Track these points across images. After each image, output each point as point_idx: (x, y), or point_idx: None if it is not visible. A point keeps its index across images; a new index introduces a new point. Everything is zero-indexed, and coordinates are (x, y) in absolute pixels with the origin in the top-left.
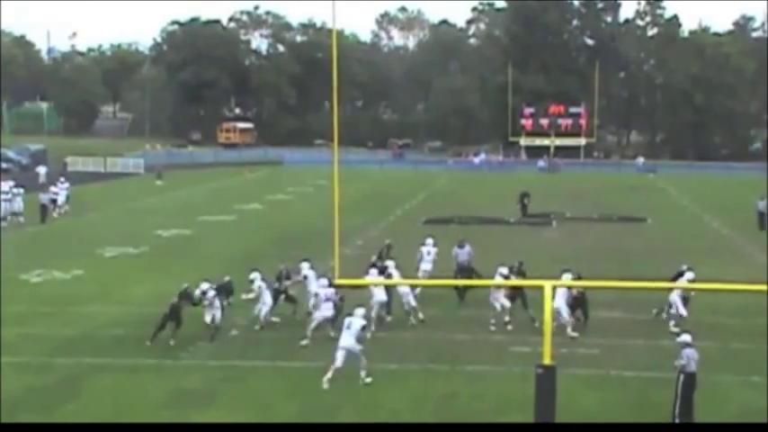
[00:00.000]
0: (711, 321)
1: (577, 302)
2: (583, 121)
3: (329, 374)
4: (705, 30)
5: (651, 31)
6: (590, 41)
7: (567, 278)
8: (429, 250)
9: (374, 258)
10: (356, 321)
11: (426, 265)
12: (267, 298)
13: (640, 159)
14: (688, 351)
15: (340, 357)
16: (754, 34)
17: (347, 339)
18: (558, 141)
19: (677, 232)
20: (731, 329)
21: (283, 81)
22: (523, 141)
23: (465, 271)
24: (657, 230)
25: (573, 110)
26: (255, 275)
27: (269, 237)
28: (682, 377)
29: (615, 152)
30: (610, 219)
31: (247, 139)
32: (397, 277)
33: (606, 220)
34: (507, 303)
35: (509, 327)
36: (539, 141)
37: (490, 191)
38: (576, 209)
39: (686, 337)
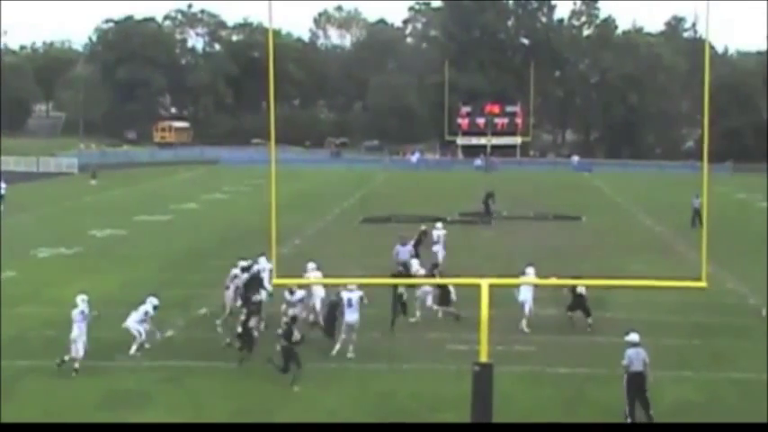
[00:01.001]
0: (645, 318)
1: (578, 303)
2: (519, 120)
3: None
4: (639, 30)
5: (586, 31)
6: (526, 41)
7: (530, 272)
8: (438, 234)
9: (411, 243)
10: (355, 295)
11: (438, 248)
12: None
13: (575, 158)
14: (631, 351)
15: (347, 332)
16: (685, 35)
17: (352, 315)
18: (495, 140)
19: (611, 230)
20: (664, 326)
21: (219, 80)
22: (460, 140)
23: (406, 269)
24: (592, 228)
25: (509, 109)
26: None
27: (206, 237)
28: (626, 376)
29: (551, 151)
30: (546, 217)
31: (183, 138)
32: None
33: (542, 219)
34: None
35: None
36: (475, 140)
37: (427, 190)
38: (512, 208)
39: (632, 337)
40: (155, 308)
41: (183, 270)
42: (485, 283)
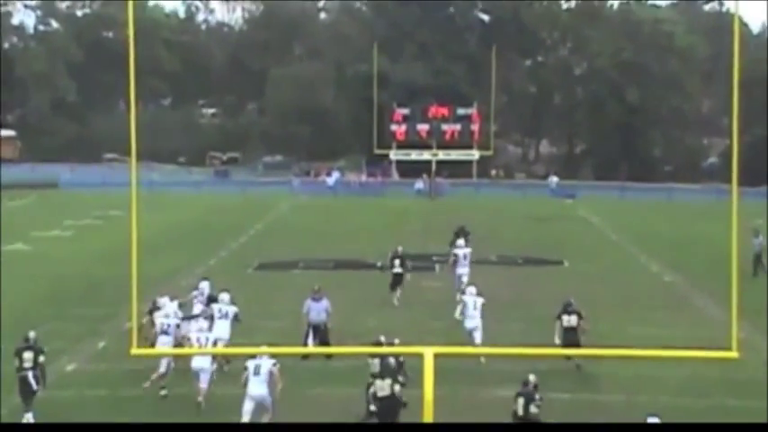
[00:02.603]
0: (646, 401)
1: (569, 338)
2: (475, 127)
3: None
4: (640, 1)
5: (567, 4)
6: (485, 17)
7: (472, 291)
8: (465, 253)
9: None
10: (265, 363)
11: (462, 269)
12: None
13: (554, 179)
14: None
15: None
16: (707, 7)
17: (257, 387)
18: (443, 155)
19: (603, 279)
20: (673, 412)
21: (58, 70)
22: (394, 155)
23: (322, 334)
24: (577, 277)
25: (461, 111)
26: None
27: (37, 292)
28: None
29: (520, 169)
30: (513, 261)
31: (8, 152)
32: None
33: (508, 263)
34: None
35: None
36: (415, 155)
37: (349, 224)
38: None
39: (653, 420)
40: None
41: (5, 338)
42: (429, 352)
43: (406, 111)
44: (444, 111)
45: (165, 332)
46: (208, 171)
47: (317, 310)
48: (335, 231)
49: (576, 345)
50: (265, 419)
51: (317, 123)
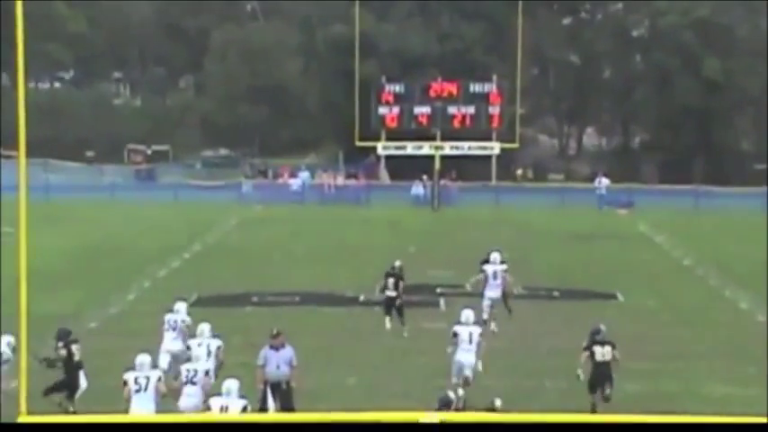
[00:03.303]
0: None
1: (601, 374)
2: (494, 111)
3: None
4: None
5: None
6: None
7: (468, 319)
8: (495, 271)
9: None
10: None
11: (493, 292)
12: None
13: (603, 181)
14: None
15: None
16: None
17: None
18: (450, 148)
19: (672, 320)
20: None
21: None
22: (383, 148)
23: (283, 396)
24: (635, 315)
25: (476, 88)
26: None
27: None
28: None
29: (556, 168)
30: (547, 295)
31: None
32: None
33: (540, 297)
34: None
35: None
36: (412, 149)
37: (321, 243)
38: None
39: None
40: None
41: None
42: (431, 418)
43: (399, 88)
44: (452, 88)
45: (191, 381)
46: (126, 171)
47: (277, 363)
48: (302, 254)
49: (611, 381)
50: None
51: (277, 105)
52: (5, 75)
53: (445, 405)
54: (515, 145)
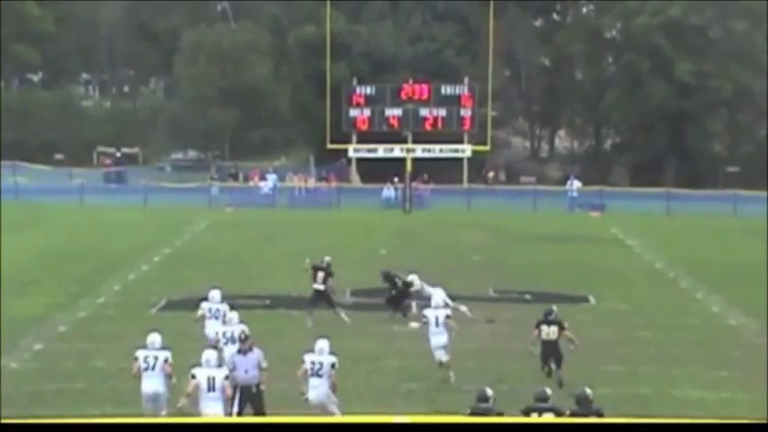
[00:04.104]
0: None
1: (549, 352)
2: (466, 113)
3: None
4: None
5: None
6: None
7: (438, 302)
8: (436, 316)
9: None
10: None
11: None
12: None
13: (574, 184)
14: None
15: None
16: None
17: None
18: (421, 151)
19: (643, 323)
20: None
21: None
22: (354, 151)
23: (254, 400)
24: (607, 318)
25: (447, 90)
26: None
27: None
28: None
29: (527, 171)
30: (519, 298)
31: None
32: None
33: (512, 300)
34: None
35: None
36: (383, 151)
37: (291, 246)
38: (454, 277)
39: None
40: None
41: None
42: (401, 422)
43: (370, 90)
44: (423, 90)
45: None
46: (95, 173)
47: (245, 367)
48: (272, 257)
49: (558, 359)
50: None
51: (247, 108)
52: None
53: (483, 400)
54: (487, 147)
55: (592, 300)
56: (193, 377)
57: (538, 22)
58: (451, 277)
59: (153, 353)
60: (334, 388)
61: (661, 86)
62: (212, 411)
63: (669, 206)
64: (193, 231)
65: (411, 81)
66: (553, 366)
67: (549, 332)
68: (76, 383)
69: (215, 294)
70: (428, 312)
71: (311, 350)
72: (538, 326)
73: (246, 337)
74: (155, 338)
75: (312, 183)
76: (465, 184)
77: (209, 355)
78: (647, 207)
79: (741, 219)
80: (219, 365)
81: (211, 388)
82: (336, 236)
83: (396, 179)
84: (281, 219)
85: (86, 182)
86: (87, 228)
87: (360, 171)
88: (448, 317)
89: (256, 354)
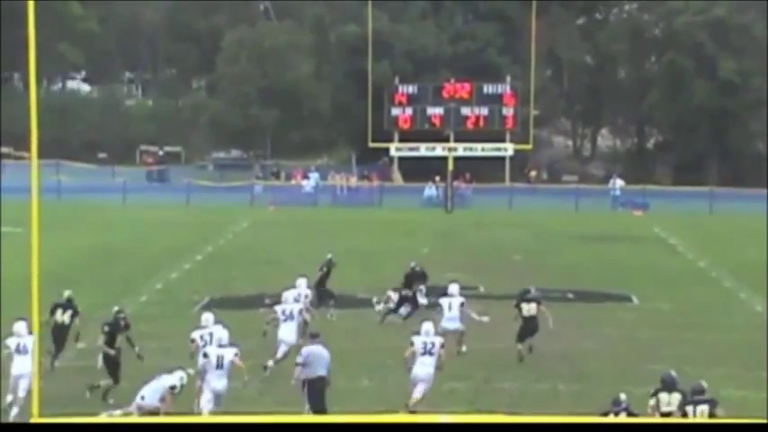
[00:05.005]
0: None
1: (528, 327)
2: (508, 112)
3: None
4: None
5: None
6: None
7: (453, 291)
8: (450, 303)
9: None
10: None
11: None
12: None
13: (617, 182)
14: None
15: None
16: None
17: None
18: (463, 149)
19: (687, 323)
20: None
21: None
22: (396, 150)
23: (319, 397)
24: (650, 318)
25: (489, 89)
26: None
27: None
28: None
29: (570, 170)
30: (561, 297)
31: None
32: None
33: (554, 299)
34: None
35: None
36: (425, 150)
37: (333, 245)
38: (495, 277)
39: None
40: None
41: None
42: (444, 421)
43: (412, 89)
44: (465, 89)
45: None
46: (138, 172)
47: (315, 357)
48: (314, 256)
49: (534, 332)
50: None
51: (289, 107)
52: (17, 75)
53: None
54: (529, 146)
55: (635, 299)
56: (206, 356)
57: (580, 21)
58: (493, 277)
59: (209, 330)
60: (441, 365)
61: (704, 85)
62: (218, 387)
63: (712, 205)
64: (235, 230)
65: (453, 80)
66: (530, 342)
67: (529, 308)
68: (121, 381)
69: (302, 282)
70: (443, 300)
71: (417, 333)
72: (518, 305)
73: (318, 334)
74: (208, 317)
75: (354, 182)
76: (507, 183)
77: (221, 333)
78: (689, 206)
79: None
80: (231, 345)
81: (220, 366)
82: (378, 235)
83: (437, 178)
84: (323, 217)
85: (129, 180)
86: (129, 226)
87: (402, 170)
88: (462, 305)
89: (326, 353)
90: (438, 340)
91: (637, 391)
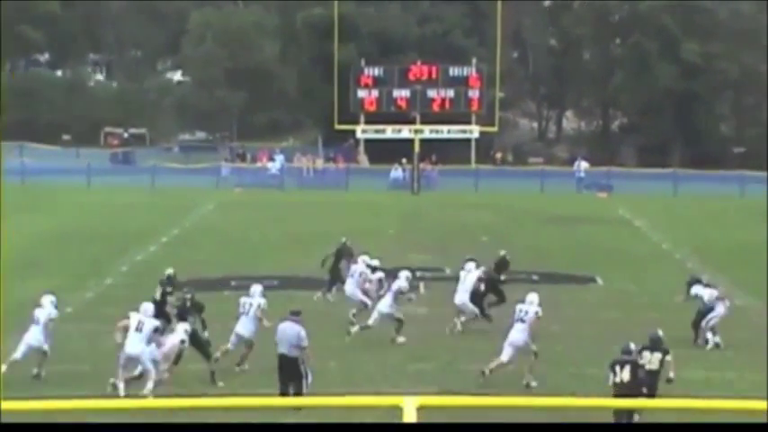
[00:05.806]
0: None
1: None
2: (474, 94)
3: None
4: None
5: None
6: None
7: (472, 267)
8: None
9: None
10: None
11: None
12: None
13: (582, 165)
14: None
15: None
16: None
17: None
18: (429, 132)
19: (650, 303)
20: None
21: None
22: (362, 132)
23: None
24: (615, 299)
25: (455, 71)
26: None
27: None
28: None
29: (535, 152)
30: (526, 279)
31: None
32: None
33: (519, 281)
34: None
35: None
36: (392, 132)
37: (300, 226)
38: (461, 258)
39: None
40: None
41: None
42: (410, 405)
43: (378, 71)
44: (432, 71)
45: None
46: (103, 154)
47: (292, 334)
48: (281, 238)
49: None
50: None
51: (255, 89)
52: None
53: (626, 352)
54: (495, 129)
55: (599, 280)
56: (128, 317)
57: (546, 4)
58: (459, 258)
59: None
60: (534, 336)
61: (668, 68)
62: (132, 350)
63: (676, 187)
64: (201, 212)
65: (419, 62)
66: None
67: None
68: (83, 365)
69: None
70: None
71: (522, 300)
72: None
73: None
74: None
75: (320, 164)
76: (473, 165)
77: (147, 306)
78: (654, 188)
79: (747, 199)
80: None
81: (138, 329)
82: (344, 216)
83: (404, 160)
84: (289, 199)
85: (93, 162)
86: (95, 209)
87: (368, 152)
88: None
89: (293, 331)
90: (533, 309)
91: (601, 372)
